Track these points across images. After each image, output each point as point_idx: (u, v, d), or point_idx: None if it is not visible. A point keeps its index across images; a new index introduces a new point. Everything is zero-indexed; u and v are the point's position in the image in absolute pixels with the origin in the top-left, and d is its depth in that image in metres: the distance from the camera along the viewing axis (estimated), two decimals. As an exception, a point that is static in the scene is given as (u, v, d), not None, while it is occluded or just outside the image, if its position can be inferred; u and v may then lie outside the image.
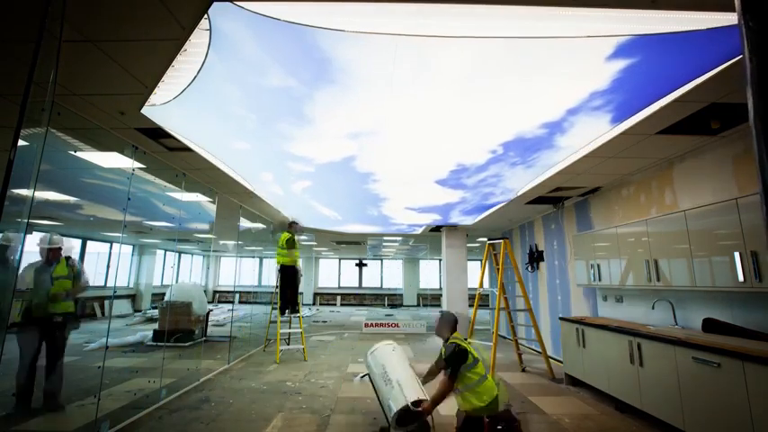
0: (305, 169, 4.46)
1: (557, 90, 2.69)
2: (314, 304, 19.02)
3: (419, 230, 9.32)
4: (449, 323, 3.02)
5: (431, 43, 2.17)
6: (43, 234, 3.78)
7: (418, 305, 18.74)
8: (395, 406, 2.91)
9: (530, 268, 7.47)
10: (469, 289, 8.69)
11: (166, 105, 2.92)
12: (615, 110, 2.94)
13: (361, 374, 3.73)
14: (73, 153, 3.90)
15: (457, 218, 7.61)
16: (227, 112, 3.10)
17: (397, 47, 2.20)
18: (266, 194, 5.88)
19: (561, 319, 5.06)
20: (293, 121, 3.21)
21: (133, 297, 13.51)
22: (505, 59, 2.32)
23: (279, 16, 1.96)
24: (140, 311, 12.25)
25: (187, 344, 7.22)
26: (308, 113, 3.05)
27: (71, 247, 4.28)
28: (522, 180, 4.81)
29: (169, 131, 3.39)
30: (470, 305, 8.88)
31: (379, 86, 2.64)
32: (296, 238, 6.84)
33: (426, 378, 3.17)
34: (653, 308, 4.05)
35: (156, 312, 10.43)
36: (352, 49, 2.24)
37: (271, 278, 19.01)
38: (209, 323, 8.66)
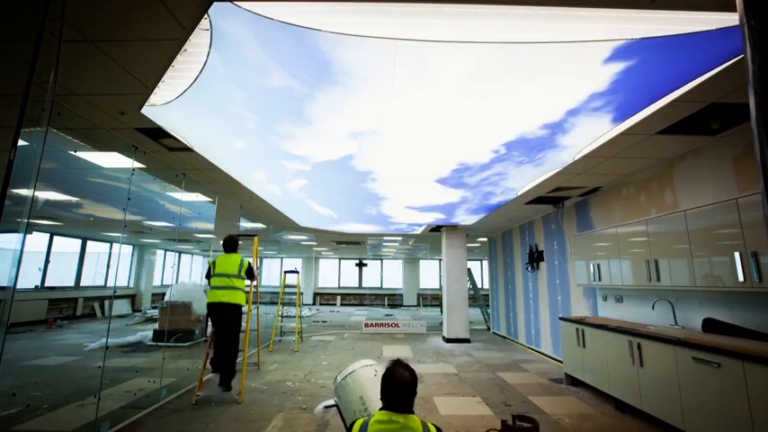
0: (301, 168, 4.46)
1: (556, 92, 2.69)
2: (314, 304, 19.03)
3: (419, 230, 9.32)
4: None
5: (430, 46, 2.17)
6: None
7: (418, 305, 18.73)
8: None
9: (530, 268, 7.47)
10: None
11: (166, 105, 2.92)
12: (615, 110, 2.94)
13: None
14: (73, 153, 3.90)
15: (457, 217, 7.62)
16: (227, 111, 3.10)
17: (397, 48, 2.20)
18: (265, 194, 5.88)
19: (561, 318, 5.05)
20: (294, 121, 3.21)
21: (133, 297, 13.51)
22: (504, 61, 2.32)
23: (277, 17, 1.96)
24: (140, 311, 12.25)
25: (187, 344, 7.21)
26: (309, 113, 3.05)
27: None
28: (529, 178, 4.79)
29: (169, 131, 3.39)
30: (470, 305, 8.90)
31: (379, 87, 2.64)
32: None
33: None
34: (653, 308, 4.04)
35: (156, 312, 10.44)
36: (353, 50, 2.24)
37: (271, 278, 19.06)
38: (210, 323, 8.64)
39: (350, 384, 2.40)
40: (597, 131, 3.34)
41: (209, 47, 2.23)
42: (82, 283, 11.32)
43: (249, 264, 4.32)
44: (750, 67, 0.61)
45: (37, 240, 9.77)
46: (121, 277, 13.46)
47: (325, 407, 2.83)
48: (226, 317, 4.09)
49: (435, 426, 1.58)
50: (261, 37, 2.17)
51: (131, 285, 13.55)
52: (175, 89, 2.68)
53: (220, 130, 3.50)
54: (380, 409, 1.59)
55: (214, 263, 4.20)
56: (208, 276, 4.24)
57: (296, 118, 3.14)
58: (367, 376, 2.44)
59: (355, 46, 2.20)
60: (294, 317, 8.08)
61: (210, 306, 4.10)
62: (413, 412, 1.57)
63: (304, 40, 2.16)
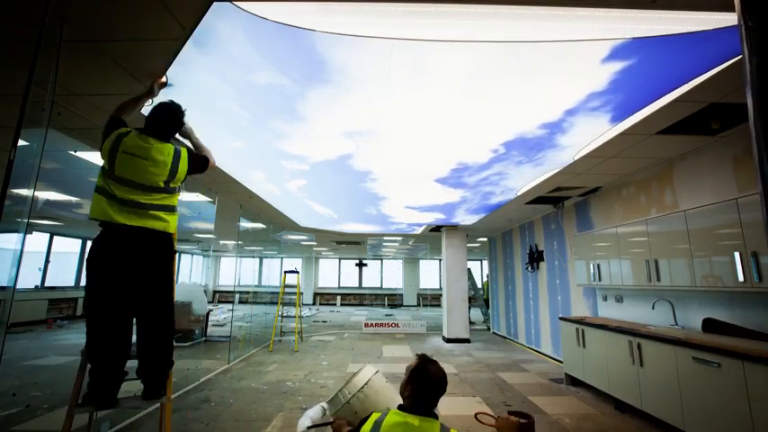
0: (299, 167, 4.46)
1: (554, 91, 2.69)
2: (314, 304, 19.03)
3: (419, 230, 9.32)
4: None
5: (427, 45, 2.17)
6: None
7: (418, 305, 18.73)
8: None
9: (530, 268, 7.47)
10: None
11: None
12: (614, 110, 2.94)
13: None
14: (73, 153, 3.90)
15: (457, 217, 7.62)
16: (225, 111, 3.10)
17: (393, 48, 2.20)
18: (265, 194, 5.88)
19: (561, 318, 5.05)
20: (287, 119, 3.20)
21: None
22: (503, 61, 2.32)
23: (275, 18, 1.96)
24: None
25: (187, 344, 7.21)
26: (301, 111, 3.05)
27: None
28: (529, 178, 4.79)
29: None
30: (470, 306, 8.91)
31: (376, 86, 2.64)
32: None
33: None
34: (653, 308, 4.04)
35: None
36: (348, 49, 2.24)
37: (271, 278, 19.10)
38: (209, 323, 8.66)
39: (371, 396, 2.07)
40: (595, 131, 3.34)
41: (208, 46, 2.23)
42: (82, 283, 11.32)
43: (190, 153, 2.18)
44: (748, 68, 0.61)
45: (37, 240, 9.78)
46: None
47: (310, 427, 2.02)
48: (147, 259, 1.97)
49: None
50: (258, 37, 2.17)
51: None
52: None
53: (219, 130, 3.50)
54: (397, 409, 1.47)
55: (114, 148, 1.93)
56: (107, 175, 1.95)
57: (288, 116, 3.12)
58: (383, 383, 2.17)
59: (351, 46, 2.20)
60: (294, 317, 8.09)
61: (112, 238, 1.90)
62: (435, 416, 1.45)
63: (301, 40, 2.16)
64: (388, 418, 1.43)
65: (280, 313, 7.81)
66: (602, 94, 2.68)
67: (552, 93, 2.71)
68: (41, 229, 9.59)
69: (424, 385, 1.47)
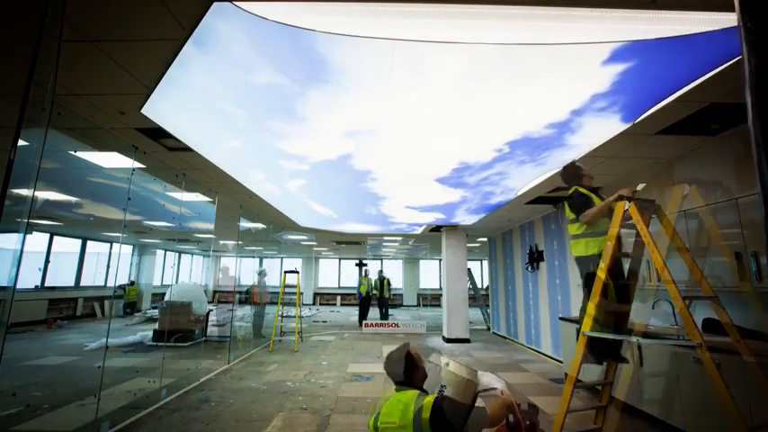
0: (299, 167, 4.45)
1: (557, 92, 2.69)
2: (314, 304, 19.02)
3: (419, 230, 9.32)
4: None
5: (429, 46, 2.17)
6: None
7: (418, 305, 18.72)
8: None
9: (530, 268, 7.47)
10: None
11: (166, 106, 2.92)
12: (621, 110, 2.93)
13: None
14: (73, 153, 3.90)
15: (457, 217, 7.62)
16: (224, 111, 3.10)
17: (394, 47, 2.20)
18: (265, 194, 5.88)
19: (561, 318, 5.05)
20: (285, 119, 3.19)
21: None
22: (503, 62, 2.32)
23: (275, 17, 1.96)
24: (140, 311, 12.25)
25: (187, 344, 7.22)
26: (301, 111, 3.05)
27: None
28: (530, 178, 4.77)
29: (169, 131, 3.39)
30: (470, 305, 8.90)
31: (375, 86, 2.64)
32: None
33: None
34: (653, 308, 4.04)
35: (156, 312, 10.44)
36: (349, 49, 2.24)
37: (271, 278, 19.06)
38: (209, 323, 8.66)
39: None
40: (608, 130, 3.30)
41: (208, 46, 2.23)
42: (82, 283, 11.32)
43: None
44: (747, 69, 0.61)
45: (37, 240, 9.78)
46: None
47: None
48: None
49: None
50: (258, 37, 2.17)
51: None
52: (170, 89, 2.68)
53: (219, 130, 3.50)
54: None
55: None
56: None
57: (288, 116, 3.12)
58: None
59: (352, 46, 2.20)
60: (294, 317, 8.09)
61: None
62: (410, 386, 1.69)
63: (301, 40, 2.16)
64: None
65: (280, 313, 7.81)
66: (606, 95, 2.68)
67: (555, 94, 2.71)
68: (41, 229, 9.59)
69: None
